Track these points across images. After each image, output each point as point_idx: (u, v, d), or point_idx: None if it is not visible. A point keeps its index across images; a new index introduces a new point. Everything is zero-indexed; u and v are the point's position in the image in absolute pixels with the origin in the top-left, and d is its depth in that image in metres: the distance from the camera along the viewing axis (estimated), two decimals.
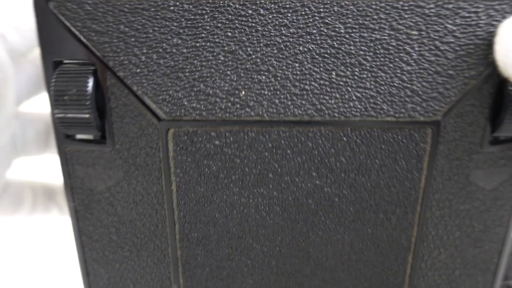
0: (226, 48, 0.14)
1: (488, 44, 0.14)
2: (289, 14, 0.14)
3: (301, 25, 0.14)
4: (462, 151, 0.16)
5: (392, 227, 0.16)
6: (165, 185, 0.16)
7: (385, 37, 0.14)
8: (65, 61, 0.15)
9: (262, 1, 0.14)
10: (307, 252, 0.17)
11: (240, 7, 0.14)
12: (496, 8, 0.14)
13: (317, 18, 0.14)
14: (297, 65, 0.14)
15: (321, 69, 0.14)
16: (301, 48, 0.14)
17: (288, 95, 0.15)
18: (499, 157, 0.16)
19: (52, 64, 0.15)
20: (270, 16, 0.14)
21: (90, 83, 0.15)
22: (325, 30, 0.14)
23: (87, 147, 0.16)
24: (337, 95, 0.15)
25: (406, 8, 0.14)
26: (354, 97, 0.15)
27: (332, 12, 0.14)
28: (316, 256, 0.17)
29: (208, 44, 0.14)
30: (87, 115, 0.15)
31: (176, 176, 0.15)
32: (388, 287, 0.17)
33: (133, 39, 0.14)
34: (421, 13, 0.14)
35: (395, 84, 0.15)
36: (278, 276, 0.17)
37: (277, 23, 0.14)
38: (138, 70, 0.14)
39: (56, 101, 0.15)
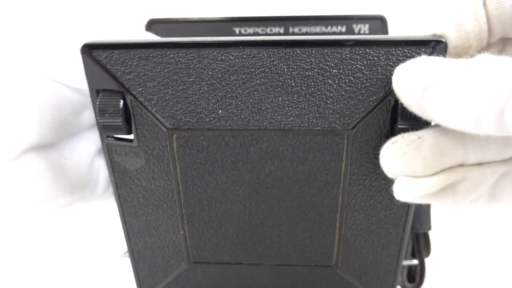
0: (209, 81, 0.21)
1: (386, 78, 0.21)
2: (250, 59, 0.21)
3: (257, 66, 0.21)
4: (372, 148, 0.23)
5: (324, 196, 0.24)
6: (172, 168, 0.24)
7: (315, 74, 0.21)
8: (105, 89, 0.22)
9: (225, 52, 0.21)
10: (268, 212, 0.25)
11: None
12: (392, 53, 0.21)
13: (268, 61, 0.21)
14: (255, 93, 0.22)
15: (272, 95, 0.22)
16: (258, 81, 0.21)
17: (250, 113, 0.22)
18: None
19: (96, 91, 0.22)
20: (231, 57, 0.21)
21: (121, 104, 0.22)
22: (274, 69, 0.21)
23: (121, 143, 0.24)
24: (282, 113, 0.22)
25: (329, 53, 0.21)
26: (294, 114, 0.22)
27: (278, 57, 0.21)
28: (274, 214, 0.25)
29: (196, 79, 0.21)
30: (119, 123, 0.22)
31: (179, 163, 0.24)
32: (324, 235, 0.26)
33: (146, 77, 0.22)
34: (339, 57, 0.21)
35: (322, 106, 0.22)
36: (249, 226, 0.26)
37: (241, 65, 0.21)
38: (152, 97, 0.22)
39: (100, 114, 0.22)
